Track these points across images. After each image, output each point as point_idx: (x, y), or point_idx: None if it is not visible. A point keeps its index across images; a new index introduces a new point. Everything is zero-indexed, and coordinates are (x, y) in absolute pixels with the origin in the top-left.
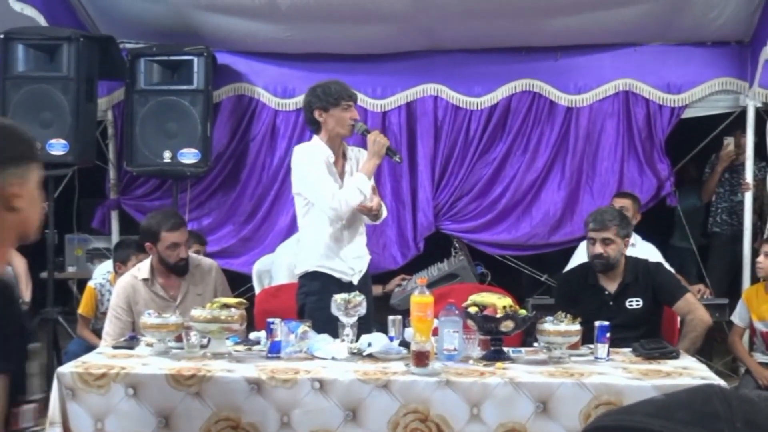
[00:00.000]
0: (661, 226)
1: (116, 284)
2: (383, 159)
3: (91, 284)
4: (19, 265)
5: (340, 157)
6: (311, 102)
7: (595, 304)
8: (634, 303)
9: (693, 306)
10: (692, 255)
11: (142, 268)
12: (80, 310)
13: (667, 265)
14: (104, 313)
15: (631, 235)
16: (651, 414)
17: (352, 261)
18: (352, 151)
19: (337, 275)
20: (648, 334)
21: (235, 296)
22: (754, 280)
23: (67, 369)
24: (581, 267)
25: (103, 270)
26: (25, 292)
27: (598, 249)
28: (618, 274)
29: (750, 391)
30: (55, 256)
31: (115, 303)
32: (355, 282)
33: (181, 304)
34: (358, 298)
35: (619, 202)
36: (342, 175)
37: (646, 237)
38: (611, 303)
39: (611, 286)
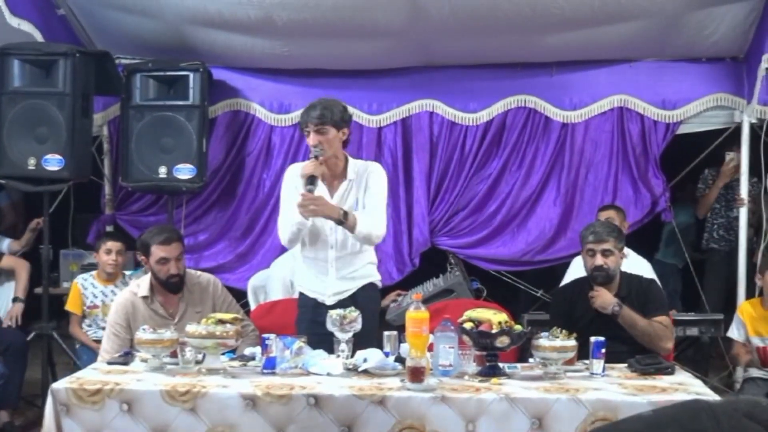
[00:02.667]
0: (645, 241)
1: (115, 301)
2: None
3: (75, 281)
4: (18, 266)
5: (338, 175)
6: (302, 121)
7: (589, 318)
8: None
9: (666, 325)
10: (677, 271)
11: (141, 286)
12: (67, 306)
13: (658, 283)
14: (90, 308)
15: (624, 247)
16: (640, 431)
17: (328, 282)
18: (355, 169)
19: (312, 295)
20: (642, 349)
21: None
22: (750, 295)
23: (61, 385)
24: (577, 282)
25: (85, 273)
26: (20, 292)
27: (599, 261)
28: (613, 288)
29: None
30: (50, 271)
31: (113, 320)
32: (329, 303)
33: (180, 322)
34: (353, 313)
35: (605, 215)
36: (333, 193)
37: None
38: (606, 317)
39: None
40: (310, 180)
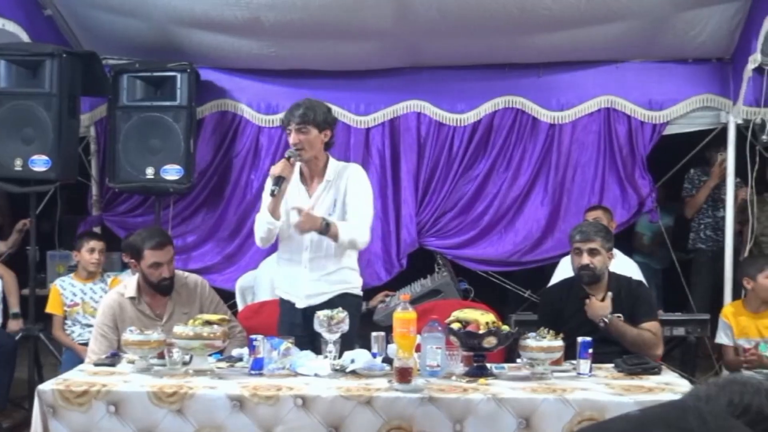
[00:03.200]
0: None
1: (102, 302)
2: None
3: (54, 283)
4: (8, 279)
5: (317, 175)
6: (284, 122)
7: (578, 319)
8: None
9: (654, 331)
10: (656, 273)
11: (129, 287)
12: (48, 309)
13: (647, 285)
14: (71, 306)
15: (613, 248)
16: (626, 430)
17: (300, 286)
18: (335, 170)
19: (285, 297)
20: (629, 350)
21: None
22: (737, 295)
23: (48, 386)
24: (565, 282)
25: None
26: (15, 306)
27: (585, 260)
28: (602, 288)
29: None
30: (37, 272)
31: (101, 321)
32: (299, 306)
33: (167, 323)
34: (341, 314)
35: (593, 215)
36: (311, 193)
37: None
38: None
39: (595, 297)
40: (276, 180)
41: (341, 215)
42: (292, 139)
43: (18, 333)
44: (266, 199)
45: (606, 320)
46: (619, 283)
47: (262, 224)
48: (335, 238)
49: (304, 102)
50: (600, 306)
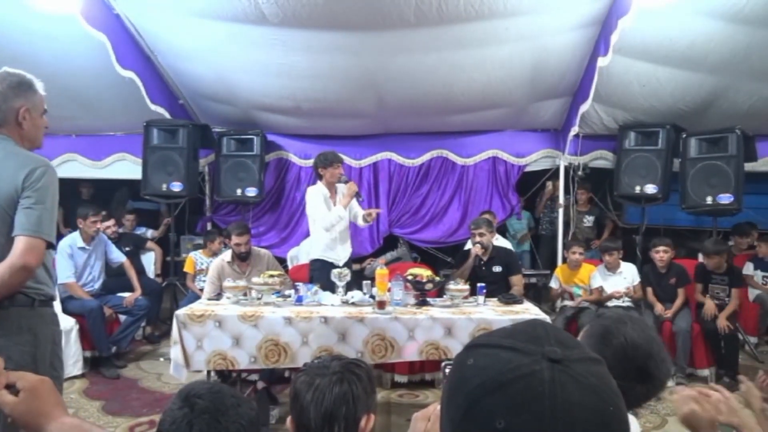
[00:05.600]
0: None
1: (212, 264)
2: (354, 197)
3: (190, 255)
4: (157, 251)
5: (334, 193)
6: (317, 163)
7: (476, 266)
8: (497, 268)
9: (518, 283)
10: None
11: (226, 256)
12: (185, 269)
13: (516, 254)
14: (200, 270)
15: (494, 232)
16: (503, 336)
17: (340, 253)
18: (340, 189)
19: (330, 260)
20: (504, 288)
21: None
22: (564, 261)
23: (181, 312)
24: (468, 251)
25: (195, 250)
26: (159, 268)
27: (477, 238)
28: (488, 252)
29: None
30: (175, 247)
31: (211, 275)
32: (341, 264)
33: (248, 276)
34: (346, 271)
35: (484, 216)
36: (334, 203)
37: None
38: (484, 268)
39: (485, 258)
40: (357, 194)
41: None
42: (339, 170)
43: (161, 282)
44: (322, 204)
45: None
46: (498, 251)
47: (333, 218)
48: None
49: (331, 151)
50: None
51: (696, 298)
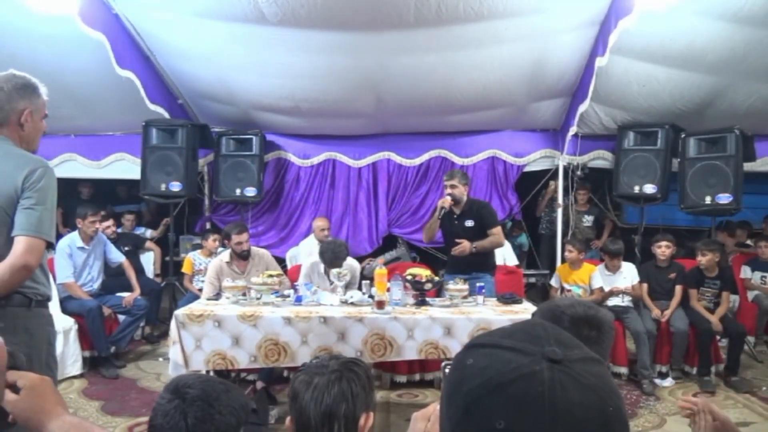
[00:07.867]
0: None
1: (210, 264)
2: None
3: (188, 255)
4: (156, 251)
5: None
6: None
7: (448, 221)
8: (470, 222)
9: (496, 233)
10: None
11: (225, 256)
12: (183, 270)
13: (491, 206)
14: (198, 270)
15: (469, 185)
16: (502, 336)
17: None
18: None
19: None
20: (476, 238)
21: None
22: (563, 261)
23: (180, 312)
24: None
25: (194, 250)
26: (158, 268)
27: (449, 190)
28: (462, 206)
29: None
30: (174, 246)
31: (210, 275)
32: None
33: (247, 276)
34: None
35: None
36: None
37: None
38: (456, 222)
39: (457, 211)
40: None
41: None
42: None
43: (161, 282)
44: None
45: (474, 249)
46: (472, 203)
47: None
48: None
49: None
50: (465, 247)
51: (691, 304)
